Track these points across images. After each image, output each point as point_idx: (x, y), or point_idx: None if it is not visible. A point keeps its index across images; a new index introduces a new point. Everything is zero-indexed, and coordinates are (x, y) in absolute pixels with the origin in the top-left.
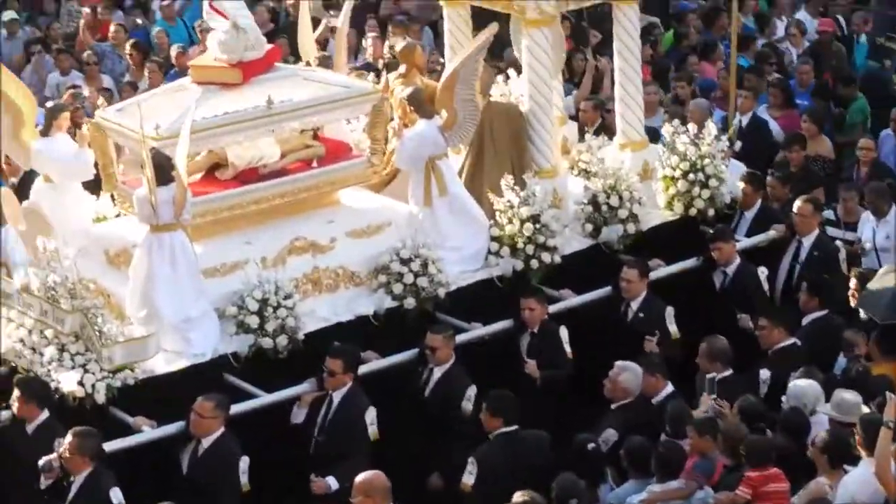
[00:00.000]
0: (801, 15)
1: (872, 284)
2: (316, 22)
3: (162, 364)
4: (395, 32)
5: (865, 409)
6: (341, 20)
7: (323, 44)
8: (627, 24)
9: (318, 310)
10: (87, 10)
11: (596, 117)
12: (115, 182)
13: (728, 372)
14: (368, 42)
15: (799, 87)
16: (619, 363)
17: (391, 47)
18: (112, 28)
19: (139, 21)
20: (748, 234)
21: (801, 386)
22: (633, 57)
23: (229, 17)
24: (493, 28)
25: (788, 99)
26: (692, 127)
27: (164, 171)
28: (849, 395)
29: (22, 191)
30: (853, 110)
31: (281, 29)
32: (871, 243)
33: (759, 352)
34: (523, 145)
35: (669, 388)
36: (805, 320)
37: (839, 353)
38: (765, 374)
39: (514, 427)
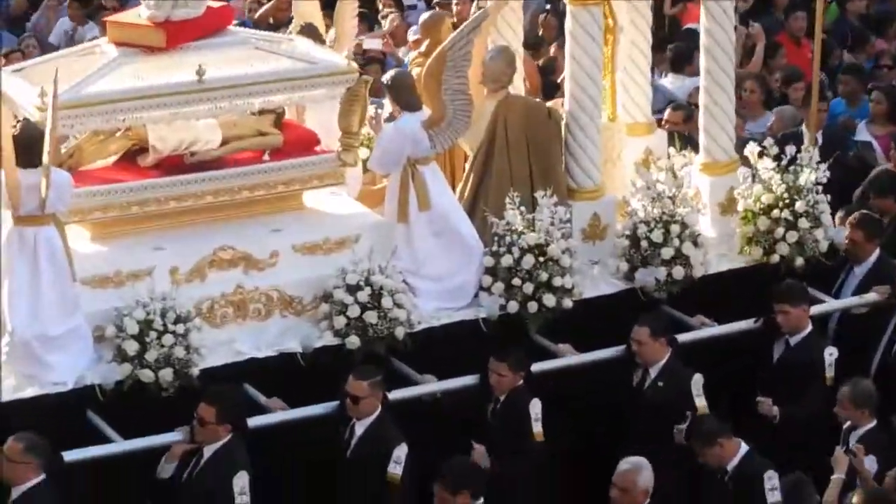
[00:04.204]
0: None
1: None
2: None
3: (7, 391)
4: None
5: None
6: None
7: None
8: (717, 9)
9: (239, 341)
10: None
11: (684, 128)
12: None
13: (872, 423)
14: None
15: None
16: (628, 460)
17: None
18: None
19: None
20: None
21: None
22: (723, 54)
23: None
24: (498, 4)
25: (893, 111)
26: (789, 149)
27: (33, 148)
28: None
29: None
30: None
31: None
32: None
33: None
34: (551, 155)
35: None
36: None
37: None
38: None
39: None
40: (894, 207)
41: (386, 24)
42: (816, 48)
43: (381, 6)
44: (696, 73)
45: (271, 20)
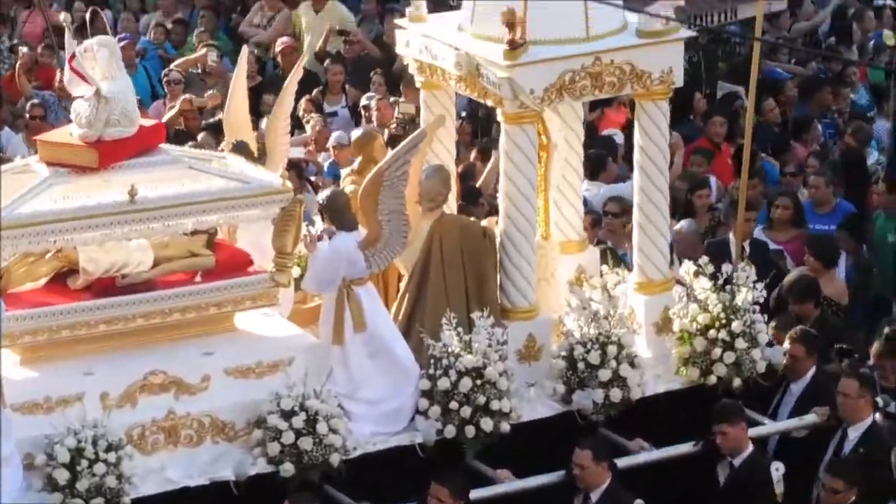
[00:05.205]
0: None
1: None
2: (314, 77)
3: None
4: (409, 94)
5: None
6: (287, 84)
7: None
8: (651, 126)
9: (170, 468)
10: (25, 49)
11: (591, 234)
12: None
13: None
14: (373, 104)
15: (814, 208)
16: None
17: (403, 114)
18: (59, 74)
19: None
20: (794, 415)
21: None
22: (657, 171)
23: (92, 82)
24: (437, 121)
25: (797, 217)
26: (725, 267)
27: None
28: None
29: None
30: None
31: (268, 82)
32: None
33: None
34: (486, 275)
35: None
36: None
37: None
38: None
39: None
40: (814, 312)
41: (308, 129)
42: (746, 154)
43: (301, 112)
44: (611, 180)
45: (184, 127)
